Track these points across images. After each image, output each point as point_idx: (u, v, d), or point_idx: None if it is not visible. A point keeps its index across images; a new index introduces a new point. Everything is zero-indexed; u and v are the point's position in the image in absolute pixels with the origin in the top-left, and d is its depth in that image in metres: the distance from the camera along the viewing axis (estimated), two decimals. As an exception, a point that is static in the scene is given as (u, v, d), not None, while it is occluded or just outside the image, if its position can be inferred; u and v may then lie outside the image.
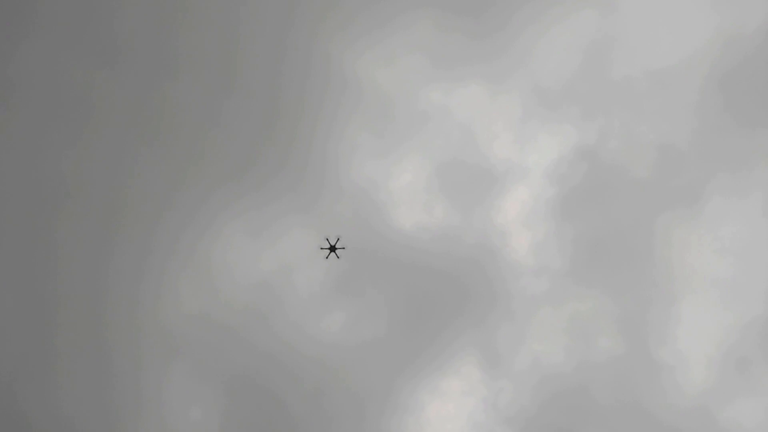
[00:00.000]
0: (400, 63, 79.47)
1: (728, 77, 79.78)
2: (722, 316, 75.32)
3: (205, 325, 71.50)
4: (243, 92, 76.98)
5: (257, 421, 69.34)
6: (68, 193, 72.84)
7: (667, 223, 78.53)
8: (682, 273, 77.11)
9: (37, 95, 75.29)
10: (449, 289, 76.92)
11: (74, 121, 75.05)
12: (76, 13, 75.30)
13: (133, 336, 70.15)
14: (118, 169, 74.44)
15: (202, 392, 69.66)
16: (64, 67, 74.22)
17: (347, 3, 78.46)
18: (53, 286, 70.54)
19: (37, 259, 70.60)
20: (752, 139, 78.61)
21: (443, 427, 73.07)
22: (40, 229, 72.60)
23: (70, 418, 64.52)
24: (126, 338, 69.87)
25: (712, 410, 71.84)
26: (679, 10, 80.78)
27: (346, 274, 75.22)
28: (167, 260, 74.40)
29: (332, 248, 69.90)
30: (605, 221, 79.17)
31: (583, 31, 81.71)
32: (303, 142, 77.79)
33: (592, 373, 74.37)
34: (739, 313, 74.90)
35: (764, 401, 71.93)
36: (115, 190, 74.37)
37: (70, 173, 73.74)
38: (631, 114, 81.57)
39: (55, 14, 74.67)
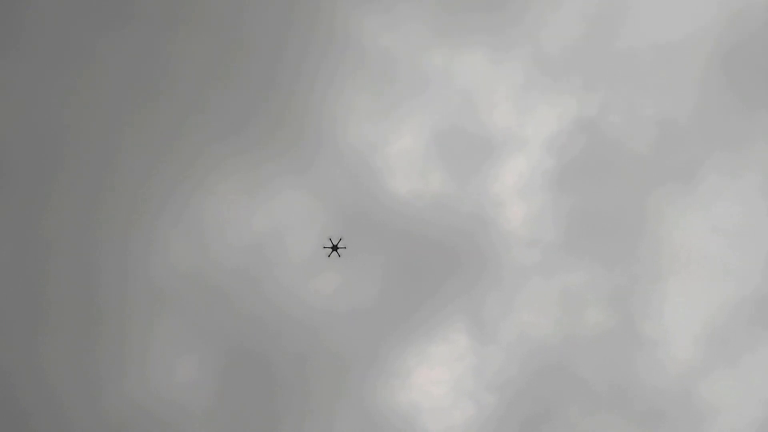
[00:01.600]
0: (404, 27, 77.10)
1: (732, 55, 78.02)
2: (710, 294, 75.11)
3: (194, 283, 70.55)
4: (243, 49, 74.62)
5: (242, 381, 68.99)
6: (63, 144, 70.85)
7: (661, 199, 77.65)
8: (673, 250, 76.60)
9: (38, 48, 72.62)
10: (442, 257, 76.17)
11: (72, 75, 72.64)
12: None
13: (122, 289, 69.18)
14: (113, 122, 72.42)
15: (188, 350, 69.06)
16: (64, 21, 71.47)
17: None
18: (43, 236, 69.12)
19: (29, 210, 68.97)
20: (752, 118, 77.33)
21: (429, 392, 73.10)
22: (33, 180, 70.81)
23: (55, 372, 63.83)
24: (114, 291, 68.88)
25: (695, 386, 72.14)
26: (688, -16, 78.54)
27: (339, 238, 74.14)
28: (159, 214, 72.97)
29: (334, 247, 69.74)
30: (600, 195, 78.21)
31: (589, 0, 79.41)
32: (301, 103, 75.84)
33: (579, 346, 74.31)
34: (727, 292, 74.70)
35: (747, 378, 72.24)
36: (110, 143, 72.48)
37: (65, 125, 71.65)
38: (634, 88, 79.90)
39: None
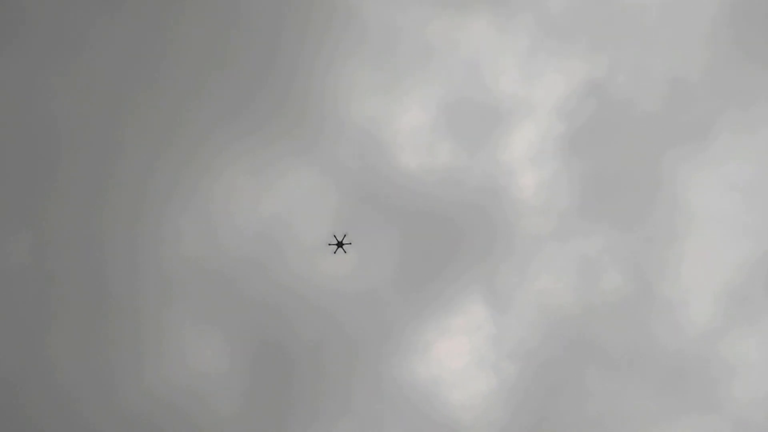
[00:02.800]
0: (405, -2, 74.41)
1: (743, 8, 75.25)
2: (728, 253, 73.72)
3: (205, 271, 69.31)
4: (244, 30, 72.14)
5: (257, 366, 68.22)
6: (66, 134, 69.03)
7: (674, 159, 75.75)
8: (689, 210, 74.96)
9: (38, 36, 70.20)
10: (455, 229, 74.76)
11: (74, 61, 70.36)
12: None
13: (132, 280, 67.99)
14: (115, 111, 70.46)
15: (201, 338, 68.17)
16: (64, 6, 68.92)
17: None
18: (51, 230, 67.73)
19: (35, 199, 67.44)
20: (765, 74, 74.89)
21: (449, 365, 72.42)
22: (38, 169, 69.14)
23: (68, 365, 62.99)
24: (125, 282, 67.72)
25: (714, 348, 71.23)
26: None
27: (349, 217, 72.69)
28: (166, 203, 71.47)
29: (339, 244, 67.90)
30: (613, 158, 76.32)
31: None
32: (303, 81, 73.61)
33: (596, 311, 73.29)
34: (744, 251, 73.28)
35: (766, 337, 71.28)
36: (112, 132, 70.61)
37: (68, 114, 69.64)
38: (642, 46, 77.33)
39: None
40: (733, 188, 74.12)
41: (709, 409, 69.13)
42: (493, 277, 73.40)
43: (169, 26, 71.14)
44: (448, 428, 68.26)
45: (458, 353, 72.23)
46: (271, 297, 70.54)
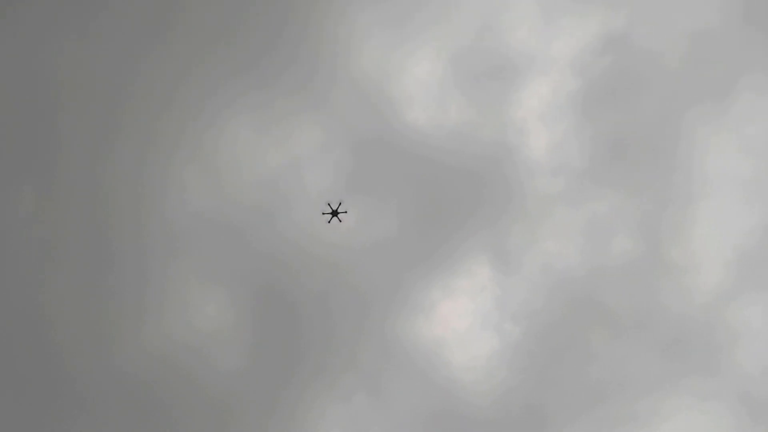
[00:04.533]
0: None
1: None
2: (741, 217, 70.81)
3: (210, 222, 67.64)
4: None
5: (264, 320, 67.30)
6: (74, 83, 66.53)
7: (691, 120, 72.06)
8: (704, 173, 71.75)
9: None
10: (463, 188, 72.27)
11: (80, 14, 67.26)
12: None
13: (137, 230, 66.53)
14: (124, 62, 67.71)
15: (207, 291, 67.08)
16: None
17: None
18: (54, 181, 66.07)
19: (38, 152, 65.64)
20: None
21: (453, 325, 71.19)
22: (41, 122, 67.12)
23: (71, 318, 62.27)
24: (129, 233, 66.30)
25: (722, 313, 69.24)
26: None
27: (357, 171, 70.41)
28: (172, 154, 69.38)
29: (334, 212, 64.09)
30: (628, 117, 72.75)
31: None
32: (314, 35, 70.12)
33: (605, 274, 71.24)
34: (758, 215, 70.32)
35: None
36: (120, 83, 68.03)
37: (73, 66, 67.03)
38: (663, -2, 72.74)
39: None
40: (751, 153, 70.64)
41: (712, 373, 67.68)
42: (500, 237, 71.28)
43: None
44: (451, 388, 67.49)
45: (463, 314, 70.86)
46: (277, 250, 69.04)
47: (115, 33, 65.53)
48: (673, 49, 72.36)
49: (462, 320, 71.06)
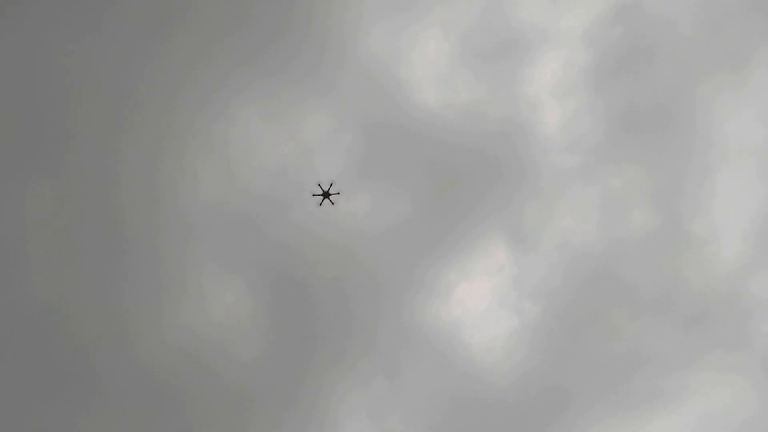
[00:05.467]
0: None
1: None
2: (761, 188, 68.23)
3: (224, 212, 66.83)
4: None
5: (281, 307, 66.54)
6: (80, 79, 65.96)
7: (709, 89, 69.40)
8: (723, 143, 69.18)
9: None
10: (476, 167, 70.59)
11: (86, 6, 66.51)
12: None
13: (152, 223, 65.93)
14: (129, 56, 66.98)
15: (223, 281, 66.46)
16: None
17: None
18: (70, 176, 65.70)
19: (53, 148, 65.28)
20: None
21: (471, 306, 69.86)
22: (52, 119, 66.67)
23: (90, 308, 62.00)
24: (144, 227, 65.73)
25: (744, 285, 66.91)
26: None
27: (369, 156, 69.11)
28: (183, 145, 68.60)
29: (326, 194, 61.04)
30: (643, 88, 70.29)
31: None
32: (320, 20, 68.67)
33: (623, 249, 69.22)
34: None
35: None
36: (127, 77, 67.33)
37: (81, 60, 66.40)
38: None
39: None
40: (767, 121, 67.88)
41: (736, 346, 65.55)
42: (516, 216, 69.57)
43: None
44: (470, 370, 66.31)
45: (480, 294, 69.45)
46: (291, 239, 68.09)
47: (119, 28, 64.67)
48: (687, 15, 69.62)
49: (479, 301, 69.72)
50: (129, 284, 62.77)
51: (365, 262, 68.81)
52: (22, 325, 59.82)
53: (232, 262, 66.77)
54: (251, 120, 68.93)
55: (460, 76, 71.43)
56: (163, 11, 67.34)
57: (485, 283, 69.74)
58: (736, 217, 68.02)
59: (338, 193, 62.09)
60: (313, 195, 61.47)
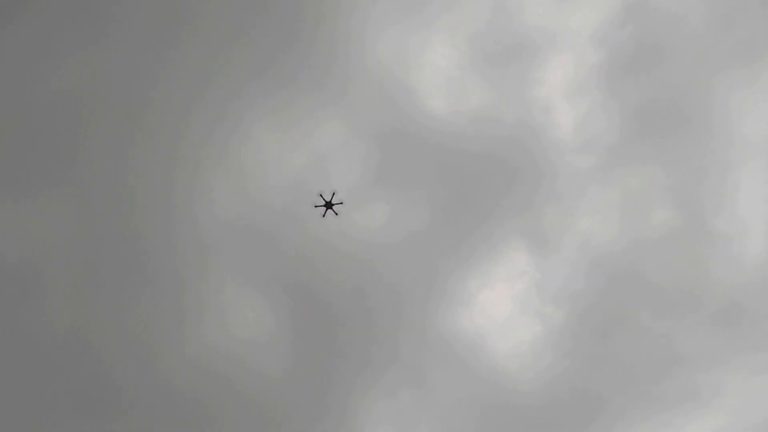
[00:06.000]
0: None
1: None
2: (785, 179, 66.13)
3: (242, 229, 65.54)
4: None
5: (302, 322, 64.81)
6: (91, 97, 65.10)
7: (725, 84, 67.71)
8: (741, 138, 67.25)
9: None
10: (491, 173, 69.02)
11: (94, 23, 65.94)
12: None
13: (170, 244, 64.64)
14: (139, 74, 66.23)
15: (244, 299, 64.89)
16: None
17: None
18: (84, 195, 64.62)
19: (63, 171, 64.30)
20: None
21: (493, 313, 67.76)
22: (63, 138, 65.73)
23: (112, 327, 60.44)
24: (163, 247, 64.44)
25: (774, 279, 64.48)
26: None
27: (382, 165, 67.72)
28: (198, 163, 67.52)
29: (328, 205, 58.60)
30: (657, 86, 68.72)
31: None
32: (328, 30, 67.83)
33: (646, 248, 67.11)
34: (804, 175, 65.58)
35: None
36: (137, 96, 66.50)
37: (91, 77, 65.52)
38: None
39: None
40: (790, 109, 65.97)
41: (770, 343, 62.97)
42: (534, 220, 67.76)
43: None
44: (495, 377, 64.03)
45: (502, 301, 67.41)
46: (310, 252, 66.52)
47: (125, 50, 63.95)
48: (698, 10, 68.21)
49: (502, 307, 67.67)
50: (149, 305, 61.33)
51: (385, 272, 67.20)
52: (44, 350, 58.39)
53: (251, 278, 65.32)
54: (264, 134, 67.93)
55: (470, 81, 70.22)
56: (165, 30, 66.60)
57: (507, 288, 67.77)
58: (762, 212, 65.82)
59: (341, 203, 60.17)
60: (316, 206, 59.44)
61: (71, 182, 65.50)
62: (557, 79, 70.49)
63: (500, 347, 65.45)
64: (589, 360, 63.49)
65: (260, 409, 59.63)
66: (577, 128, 69.34)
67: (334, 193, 58.87)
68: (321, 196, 58.20)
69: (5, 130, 62.21)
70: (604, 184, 68.59)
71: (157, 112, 67.26)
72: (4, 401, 54.55)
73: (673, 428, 60.63)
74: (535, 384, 62.98)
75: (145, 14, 66.70)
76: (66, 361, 57.07)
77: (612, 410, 61.51)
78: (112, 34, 65.55)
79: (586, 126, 69.40)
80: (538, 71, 70.22)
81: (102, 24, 65.09)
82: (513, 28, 70.10)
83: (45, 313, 58.51)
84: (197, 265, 63.54)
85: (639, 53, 68.99)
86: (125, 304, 60.10)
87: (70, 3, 63.12)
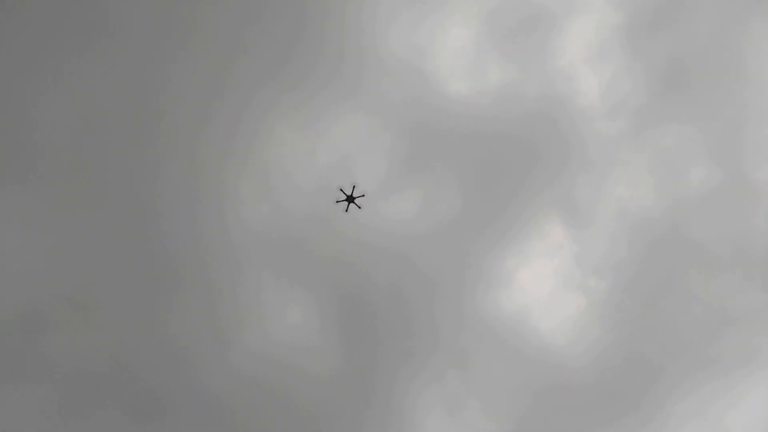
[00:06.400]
0: None
1: None
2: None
3: (272, 234, 64.65)
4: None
5: (343, 320, 63.76)
6: (102, 114, 64.64)
7: (754, 31, 64.25)
8: (778, 82, 63.74)
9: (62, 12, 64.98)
10: (519, 149, 66.90)
11: (99, 35, 65.48)
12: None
13: (202, 256, 64.02)
14: (150, 89, 65.78)
15: (282, 303, 64.09)
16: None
17: None
18: (104, 223, 64.36)
19: (79, 191, 63.97)
20: None
21: (535, 291, 65.78)
22: (77, 159, 65.23)
23: (148, 349, 60.10)
24: (195, 259, 63.87)
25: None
26: None
27: (408, 155, 66.19)
28: (221, 170, 66.71)
29: (350, 199, 56.42)
30: (682, 40, 65.57)
31: None
32: (337, 23, 66.46)
33: (687, 209, 64.23)
34: None
35: None
36: (150, 110, 65.96)
37: (100, 93, 65.04)
38: None
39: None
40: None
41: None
42: (568, 192, 65.46)
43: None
44: (542, 355, 62.08)
45: (542, 277, 65.36)
46: (343, 249, 65.40)
47: (134, 65, 63.45)
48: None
49: (543, 284, 65.63)
50: (188, 320, 60.91)
51: (421, 260, 65.65)
52: (88, 371, 58.52)
53: (287, 282, 64.43)
54: (285, 134, 66.90)
55: (489, 59, 68.12)
56: (175, 39, 65.81)
57: (546, 264, 65.70)
58: (805, 158, 62.37)
59: (363, 195, 58.12)
60: (337, 202, 57.34)
61: (95, 198, 65.36)
62: (578, 45, 67.95)
63: (544, 325, 63.55)
64: (638, 329, 61.09)
65: (307, 410, 58.89)
66: (604, 94, 66.76)
67: (354, 186, 56.60)
68: (341, 190, 56.27)
69: (27, 146, 62.27)
70: (636, 147, 65.91)
71: (173, 122, 66.50)
72: (51, 416, 54.94)
73: (733, 393, 57.90)
74: (584, 359, 60.89)
75: (149, 21, 65.96)
76: (109, 379, 57.16)
77: (667, 379, 59.04)
78: (114, 48, 64.86)
79: (612, 90, 66.78)
80: (557, 40, 67.73)
81: (111, 28, 64.52)
82: (526, 1, 67.78)
83: (85, 331, 58.69)
84: (230, 272, 63.00)
85: (661, 8, 65.95)
86: (161, 319, 59.88)
87: (78, 5, 62.72)
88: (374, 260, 63.60)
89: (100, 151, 64.16)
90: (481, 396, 60.95)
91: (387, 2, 66.99)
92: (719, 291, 61.35)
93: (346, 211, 57.95)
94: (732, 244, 61.92)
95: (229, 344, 60.50)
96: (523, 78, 67.22)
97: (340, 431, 60.71)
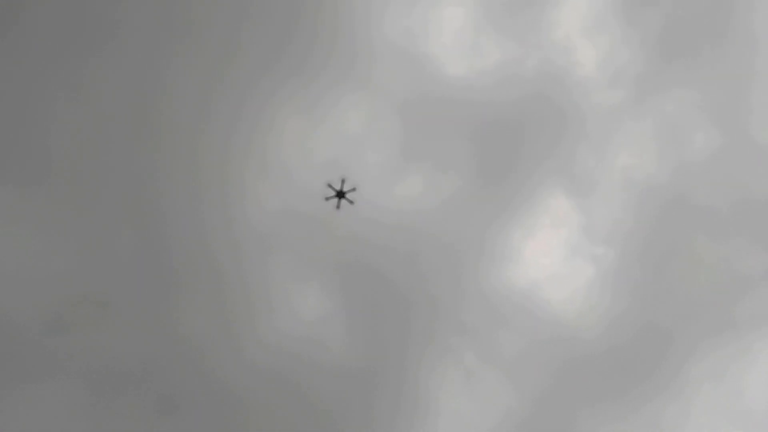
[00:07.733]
0: None
1: None
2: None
3: (292, 218, 62.45)
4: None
5: (363, 297, 61.75)
6: (104, 116, 62.71)
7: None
8: (776, 41, 61.12)
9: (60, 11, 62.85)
10: (519, 123, 64.70)
11: (99, 34, 63.43)
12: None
13: (231, 244, 61.91)
14: (150, 83, 63.69)
15: (307, 285, 62.04)
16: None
17: None
18: (120, 207, 62.35)
19: (93, 194, 62.22)
20: None
21: (543, 263, 63.78)
22: (86, 162, 63.40)
23: (193, 334, 58.48)
24: (225, 247, 61.88)
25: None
26: None
27: (411, 137, 64.12)
28: (225, 164, 64.60)
29: (340, 194, 52.33)
30: (678, 5, 62.99)
31: None
32: (330, 11, 64.18)
33: (691, 172, 61.98)
34: None
35: None
36: (152, 106, 63.84)
37: (100, 91, 62.95)
38: None
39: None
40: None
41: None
42: (570, 163, 63.28)
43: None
44: (555, 327, 60.18)
45: (550, 250, 63.36)
46: (357, 234, 63.22)
47: (133, 62, 61.40)
48: None
49: (551, 256, 63.63)
50: (201, 316, 59.30)
51: (433, 241, 63.58)
52: (107, 368, 57.18)
53: (310, 265, 62.45)
54: (288, 123, 64.79)
55: (484, 38, 65.72)
56: (174, 34, 63.61)
57: (553, 236, 63.64)
58: (808, 115, 59.83)
59: (354, 189, 53.99)
60: (327, 198, 53.41)
61: (107, 200, 63.63)
62: (573, 17, 65.46)
63: (556, 296, 61.64)
64: (650, 296, 59.09)
65: (320, 403, 57.24)
66: (601, 64, 64.34)
67: (344, 181, 52.60)
68: (330, 186, 52.19)
69: (33, 144, 60.51)
70: (636, 116, 63.64)
71: (173, 122, 64.38)
72: (72, 411, 53.72)
73: (749, 354, 55.89)
74: (598, 328, 59.01)
75: (149, 21, 63.85)
76: (127, 377, 55.73)
77: (682, 344, 57.11)
78: (112, 44, 62.74)
79: (610, 60, 64.36)
80: (552, 13, 65.24)
81: (110, 26, 62.48)
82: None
83: (103, 330, 57.24)
84: (258, 258, 61.12)
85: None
86: (175, 317, 58.28)
87: (80, 5, 60.71)
88: (383, 244, 61.73)
89: (109, 154, 62.38)
90: (502, 373, 59.25)
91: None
92: (728, 252, 59.22)
93: (338, 207, 53.89)
94: (739, 208, 59.70)
95: (242, 339, 58.93)
96: (520, 53, 65.02)
97: (370, 416, 59.10)
